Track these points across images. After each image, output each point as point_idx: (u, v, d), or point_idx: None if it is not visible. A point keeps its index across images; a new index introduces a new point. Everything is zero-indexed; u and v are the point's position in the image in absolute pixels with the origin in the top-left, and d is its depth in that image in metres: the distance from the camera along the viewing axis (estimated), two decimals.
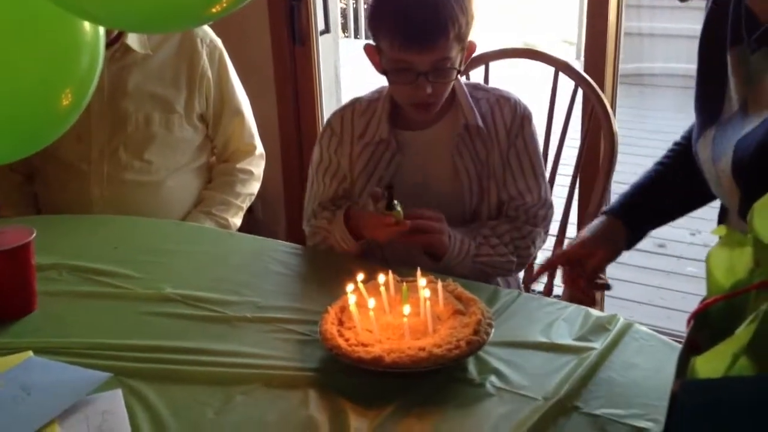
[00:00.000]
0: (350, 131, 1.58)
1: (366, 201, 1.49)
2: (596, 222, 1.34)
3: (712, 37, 1.23)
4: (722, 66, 1.19)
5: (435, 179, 1.54)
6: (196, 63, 1.98)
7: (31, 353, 1.19)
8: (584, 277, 1.29)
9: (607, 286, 1.27)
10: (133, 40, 1.92)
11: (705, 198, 1.32)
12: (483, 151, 1.53)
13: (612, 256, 1.32)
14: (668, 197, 1.35)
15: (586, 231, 1.32)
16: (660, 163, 1.38)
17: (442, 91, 1.48)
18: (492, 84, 1.70)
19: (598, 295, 2.38)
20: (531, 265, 1.69)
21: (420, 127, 1.54)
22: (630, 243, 1.34)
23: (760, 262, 0.60)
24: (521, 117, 1.55)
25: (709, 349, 0.56)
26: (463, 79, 1.59)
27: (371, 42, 1.50)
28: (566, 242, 1.77)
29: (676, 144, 1.38)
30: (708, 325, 0.61)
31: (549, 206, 1.59)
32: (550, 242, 1.78)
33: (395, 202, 1.39)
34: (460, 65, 1.48)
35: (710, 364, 0.55)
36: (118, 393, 1.09)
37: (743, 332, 0.55)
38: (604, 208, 1.35)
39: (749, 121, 1.13)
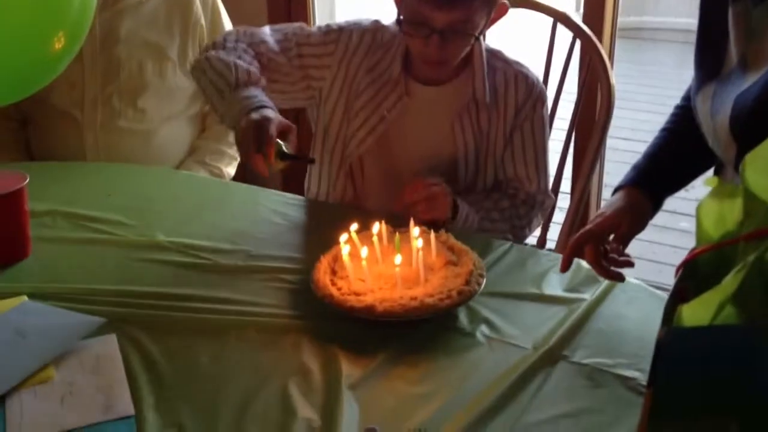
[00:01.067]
0: (361, 58, 1.51)
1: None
2: (614, 198, 1.28)
3: None
4: (724, 21, 1.18)
5: (432, 140, 1.51)
6: (189, 10, 1.96)
7: (25, 298, 1.19)
8: (609, 255, 1.20)
9: (631, 264, 1.22)
10: None
11: (715, 157, 1.30)
12: (486, 124, 1.49)
13: (637, 227, 1.25)
14: (680, 162, 1.31)
15: (606, 207, 1.26)
16: (665, 129, 1.36)
17: (454, 54, 1.42)
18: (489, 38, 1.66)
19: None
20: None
21: (428, 83, 1.49)
22: (652, 213, 1.29)
23: (749, 213, 0.60)
24: (535, 98, 1.51)
25: (696, 298, 0.56)
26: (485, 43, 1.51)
27: None
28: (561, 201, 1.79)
29: (678, 107, 1.36)
30: (696, 274, 0.62)
31: (549, 196, 1.58)
32: None
33: (287, 151, 1.28)
34: (482, 30, 1.41)
35: (696, 313, 0.56)
36: (113, 337, 1.10)
37: (730, 281, 0.56)
38: (619, 183, 1.31)
39: (749, 76, 1.13)
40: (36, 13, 1.21)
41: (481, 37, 1.45)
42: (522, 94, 1.50)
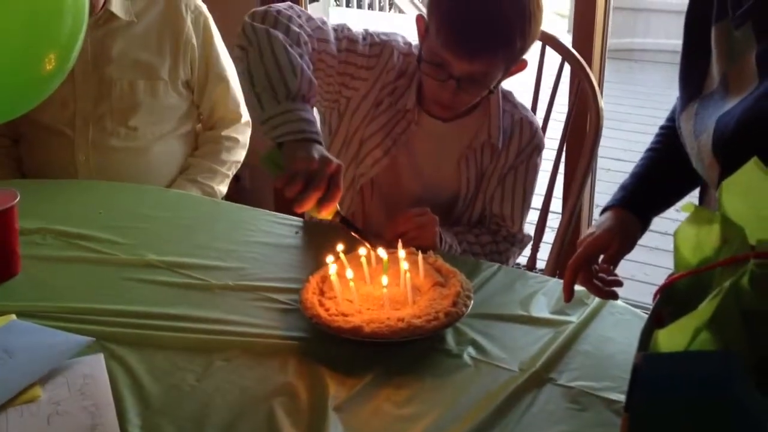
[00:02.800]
0: (392, 79, 1.49)
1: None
2: (603, 218, 1.28)
3: (699, 11, 1.23)
4: (707, 41, 1.19)
5: (436, 172, 1.53)
6: (180, 30, 1.97)
7: (14, 316, 1.19)
8: (598, 275, 1.22)
9: (620, 283, 1.22)
10: (117, 6, 1.91)
11: (701, 177, 1.31)
12: (488, 163, 1.53)
13: (627, 248, 1.25)
14: (667, 182, 1.33)
15: (596, 227, 1.27)
16: (651, 149, 1.37)
17: (466, 102, 1.43)
18: None
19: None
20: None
21: (439, 118, 1.49)
22: (641, 233, 1.30)
23: (727, 239, 0.61)
24: (534, 146, 1.55)
25: (672, 323, 0.57)
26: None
27: (425, 16, 1.42)
28: (551, 217, 1.80)
29: (663, 128, 1.38)
30: (674, 300, 0.62)
31: (526, 235, 1.61)
32: (534, 215, 1.79)
33: (341, 214, 1.28)
34: (497, 84, 1.43)
35: (672, 338, 0.56)
36: (100, 357, 1.10)
37: (706, 307, 0.56)
38: (607, 203, 1.32)
39: (730, 97, 1.14)
40: (27, 35, 1.22)
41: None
42: (525, 139, 1.54)
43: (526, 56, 1.43)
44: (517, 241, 1.59)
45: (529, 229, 1.66)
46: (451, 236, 1.47)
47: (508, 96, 1.56)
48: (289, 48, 1.31)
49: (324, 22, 1.46)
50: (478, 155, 1.52)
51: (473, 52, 1.33)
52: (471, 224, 1.57)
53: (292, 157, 1.22)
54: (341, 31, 1.47)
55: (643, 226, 1.29)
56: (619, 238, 1.23)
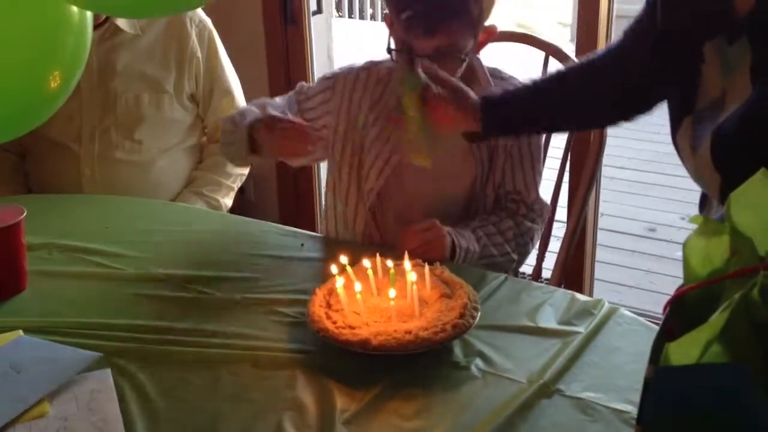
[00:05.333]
0: (359, 96, 1.54)
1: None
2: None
3: (677, 31, 1.23)
4: (692, 58, 1.19)
5: (446, 164, 1.51)
6: (185, 43, 1.98)
7: (21, 332, 1.20)
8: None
9: None
10: (122, 20, 1.92)
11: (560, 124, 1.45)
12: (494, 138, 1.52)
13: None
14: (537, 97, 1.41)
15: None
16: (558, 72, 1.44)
17: None
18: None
19: (586, 276, 2.40)
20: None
21: None
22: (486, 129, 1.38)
23: (736, 251, 0.61)
24: None
25: (683, 335, 0.57)
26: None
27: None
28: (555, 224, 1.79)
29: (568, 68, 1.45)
30: (684, 312, 0.62)
31: (544, 204, 1.60)
32: None
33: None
34: (470, 52, 1.44)
35: (683, 351, 0.56)
36: (107, 372, 1.10)
37: (716, 320, 0.56)
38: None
39: (727, 108, 1.14)
40: (31, 53, 1.23)
41: (480, 57, 1.50)
42: None
43: (492, 22, 1.46)
44: (537, 214, 1.57)
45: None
46: (468, 235, 1.45)
47: (495, 72, 1.56)
48: (225, 118, 1.60)
49: (280, 97, 1.64)
50: None
51: (430, 28, 1.38)
52: (488, 212, 1.55)
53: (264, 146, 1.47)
54: (294, 91, 1.63)
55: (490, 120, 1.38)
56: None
